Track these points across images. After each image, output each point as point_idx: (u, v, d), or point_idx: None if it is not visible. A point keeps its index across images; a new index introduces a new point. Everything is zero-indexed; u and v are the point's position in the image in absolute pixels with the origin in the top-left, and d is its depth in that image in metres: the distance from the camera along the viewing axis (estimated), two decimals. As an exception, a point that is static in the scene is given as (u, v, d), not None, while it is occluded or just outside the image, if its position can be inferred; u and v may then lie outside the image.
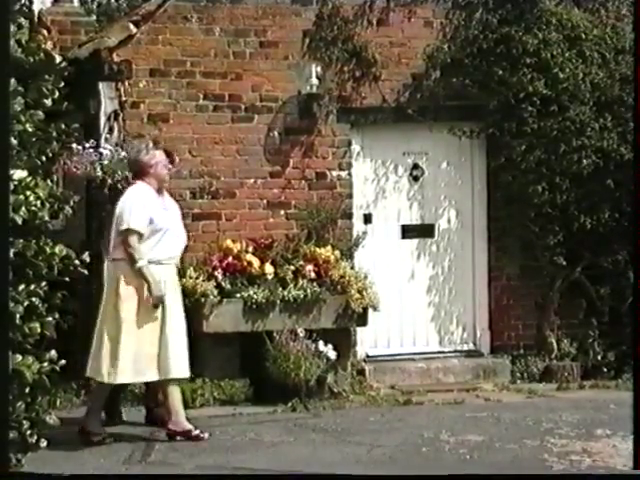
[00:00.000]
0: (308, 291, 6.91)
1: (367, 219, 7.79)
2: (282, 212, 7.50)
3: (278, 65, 7.51)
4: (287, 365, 6.63)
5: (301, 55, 7.53)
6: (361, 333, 7.40)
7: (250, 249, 7.06)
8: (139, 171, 6.06)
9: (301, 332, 6.80)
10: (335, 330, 6.98)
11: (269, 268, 6.95)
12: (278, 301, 6.84)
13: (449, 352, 7.77)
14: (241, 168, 7.48)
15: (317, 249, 7.17)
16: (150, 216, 5.86)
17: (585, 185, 7.64)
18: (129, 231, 5.82)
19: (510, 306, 7.94)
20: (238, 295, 6.82)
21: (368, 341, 7.64)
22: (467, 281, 7.93)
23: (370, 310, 7.08)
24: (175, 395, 5.92)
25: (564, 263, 7.72)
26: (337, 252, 7.21)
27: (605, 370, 7.68)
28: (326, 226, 7.47)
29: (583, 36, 7.66)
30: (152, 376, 5.83)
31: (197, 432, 5.90)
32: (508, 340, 7.90)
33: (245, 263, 6.94)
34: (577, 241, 7.74)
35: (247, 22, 7.43)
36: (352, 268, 7.25)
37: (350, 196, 7.66)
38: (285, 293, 6.86)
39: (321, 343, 6.82)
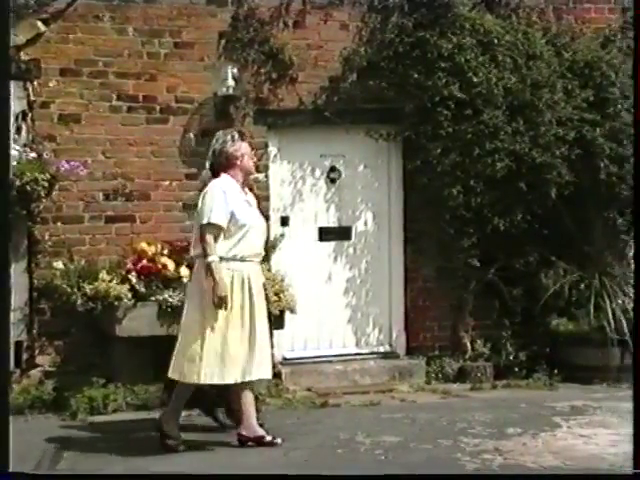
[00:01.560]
0: (224, 294, 6.83)
1: (284, 221, 7.76)
2: (198, 214, 7.40)
3: (194, 66, 7.42)
4: (202, 369, 6.52)
5: (217, 56, 7.47)
6: (278, 336, 7.33)
7: (166, 252, 6.96)
8: (224, 163, 5.77)
9: (216, 335, 6.70)
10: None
11: (185, 271, 6.85)
12: (193, 304, 6.74)
13: (366, 354, 7.79)
14: (156, 170, 7.37)
15: (233, 251, 7.09)
16: (232, 211, 5.63)
17: (498, 188, 7.74)
18: (209, 226, 5.59)
19: (426, 307, 8.00)
20: (153, 298, 6.72)
21: (285, 344, 7.61)
22: (383, 283, 7.96)
23: (287, 313, 7.04)
24: (249, 399, 5.74)
25: (478, 265, 7.81)
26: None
27: (517, 370, 7.78)
28: (243, 228, 7.39)
29: (496, 41, 7.75)
30: (237, 377, 5.62)
31: (270, 438, 5.74)
32: (424, 341, 7.96)
33: (160, 266, 6.84)
34: (491, 243, 7.83)
35: (161, 22, 7.33)
36: (269, 270, 7.19)
37: (267, 198, 7.61)
38: (201, 296, 6.77)
39: (235, 346, 6.74)
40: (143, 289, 6.74)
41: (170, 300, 6.70)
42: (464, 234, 7.76)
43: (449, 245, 7.86)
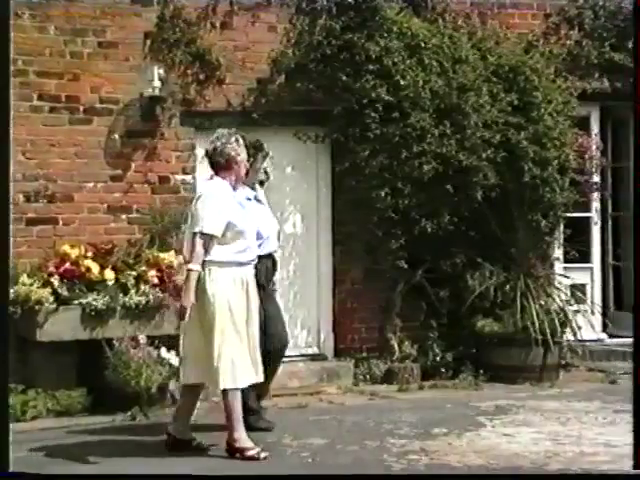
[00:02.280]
0: (150, 297, 6.75)
1: (212, 223, 7.67)
2: (124, 216, 7.30)
3: (118, 66, 7.30)
4: (127, 373, 6.45)
5: (143, 57, 7.37)
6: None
7: (89, 254, 6.83)
8: (222, 164, 5.55)
9: (142, 339, 6.62)
10: (178, 336, 6.79)
11: (109, 274, 6.75)
12: (119, 307, 6.65)
13: (294, 356, 7.72)
14: (80, 171, 7.23)
15: (160, 254, 7.00)
16: (229, 220, 5.47)
17: (426, 190, 7.77)
18: (200, 235, 5.42)
19: (354, 309, 8.01)
20: (76, 302, 6.59)
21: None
22: (312, 285, 7.94)
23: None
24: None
25: (406, 266, 7.84)
26: (180, 257, 7.04)
27: (443, 370, 7.81)
28: (170, 231, 7.30)
29: (423, 45, 7.79)
30: (246, 381, 5.50)
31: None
32: (352, 343, 7.96)
33: (84, 269, 6.71)
34: (418, 245, 7.86)
35: (84, 21, 7.19)
36: (196, 273, 7.11)
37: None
38: (126, 299, 6.69)
39: (163, 349, 6.67)
40: (66, 292, 6.60)
41: (94, 304, 6.58)
42: (392, 236, 7.78)
43: (377, 247, 7.88)
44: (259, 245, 5.94)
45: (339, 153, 7.89)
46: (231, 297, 5.47)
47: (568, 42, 8.52)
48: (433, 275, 7.96)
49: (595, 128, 8.71)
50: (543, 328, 7.66)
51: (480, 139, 7.77)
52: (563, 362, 7.99)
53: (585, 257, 8.63)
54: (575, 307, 8.13)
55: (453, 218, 7.82)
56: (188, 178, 7.55)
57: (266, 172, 6.38)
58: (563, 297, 8.10)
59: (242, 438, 5.53)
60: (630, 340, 8.53)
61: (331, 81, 7.74)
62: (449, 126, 7.72)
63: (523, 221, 8.05)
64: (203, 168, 7.64)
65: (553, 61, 8.31)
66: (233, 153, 5.57)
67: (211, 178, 5.63)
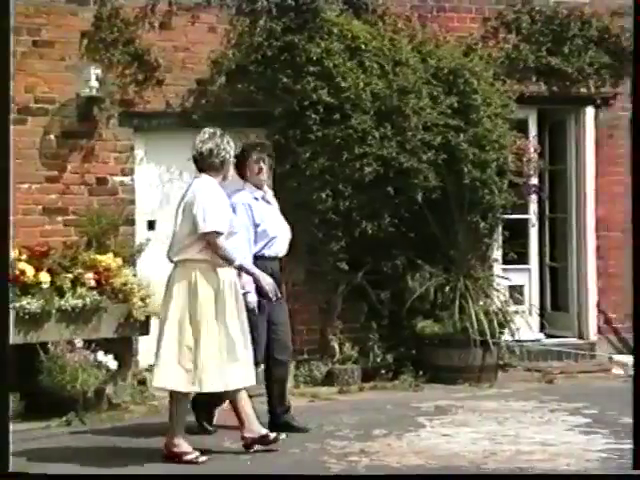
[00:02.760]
0: (87, 300, 6.63)
1: (151, 225, 7.60)
2: (60, 218, 7.19)
3: (54, 66, 7.19)
4: (63, 377, 6.31)
5: (79, 56, 7.26)
6: (143, 342, 7.17)
7: (24, 257, 6.67)
8: (216, 164, 5.47)
9: (79, 342, 6.50)
10: (116, 339, 6.73)
11: (45, 277, 6.60)
12: (54, 311, 6.51)
13: (234, 359, 7.68)
14: (14, 172, 7.04)
15: (97, 256, 6.89)
16: (230, 217, 5.49)
17: (367, 192, 7.78)
18: (215, 233, 5.34)
19: (295, 311, 7.88)
20: (10, 306, 6.43)
21: (150, 350, 7.41)
22: (252, 287, 7.88)
23: (153, 318, 6.86)
24: (246, 400, 5.55)
25: (347, 268, 7.84)
26: (119, 259, 6.96)
27: (384, 372, 7.82)
28: (107, 233, 7.20)
29: (363, 47, 7.80)
30: (236, 384, 5.43)
31: (274, 435, 5.58)
32: (293, 345, 7.89)
33: (18, 272, 6.56)
34: (359, 247, 7.86)
35: (18, 19, 7.03)
36: (135, 276, 7.01)
37: (133, 202, 7.44)
38: (62, 302, 6.55)
39: (100, 353, 6.56)
40: (-1, 296, 6.44)
41: (28, 307, 6.43)
42: (333, 238, 7.77)
43: (318, 249, 7.86)
44: (266, 245, 5.96)
45: (280, 155, 7.82)
46: (219, 299, 5.39)
47: (506, 46, 8.61)
48: (374, 277, 7.96)
49: (533, 131, 8.81)
50: (482, 329, 7.72)
51: (420, 141, 7.80)
52: (501, 362, 8.06)
53: (523, 258, 8.72)
54: (513, 308, 8.20)
55: (394, 220, 7.84)
56: (127, 180, 7.44)
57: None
58: (502, 298, 8.17)
59: (181, 443, 5.48)
60: (566, 340, 8.77)
61: (272, 83, 7.71)
62: (390, 128, 7.74)
63: (463, 223, 8.10)
64: (142, 170, 7.59)
65: (492, 64, 8.39)
66: (227, 156, 5.53)
67: (200, 176, 5.54)
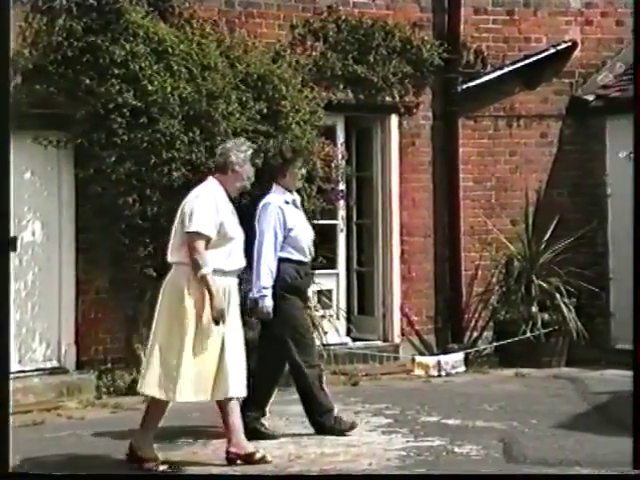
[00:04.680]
0: None
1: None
2: None
3: None
4: None
5: None
6: None
7: None
8: (220, 164, 5.55)
9: None
10: None
11: None
12: None
13: (30, 371, 7.34)
14: None
15: None
16: (222, 221, 5.34)
17: (175, 197, 7.54)
18: (197, 235, 5.27)
19: (99, 319, 7.70)
20: None
21: None
22: (53, 296, 7.56)
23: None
24: (237, 413, 5.45)
25: (155, 275, 7.63)
26: None
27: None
28: None
29: (170, 50, 7.61)
30: (214, 395, 5.35)
31: (261, 454, 5.45)
32: (95, 354, 7.65)
33: None
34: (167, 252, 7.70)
35: None
36: None
37: None
38: None
39: None
40: None
41: None
42: (140, 244, 7.54)
43: (124, 255, 7.61)
44: (296, 249, 6.02)
45: (83, 159, 7.56)
46: (199, 302, 5.32)
47: (314, 53, 8.66)
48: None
49: (341, 138, 8.92)
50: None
51: (229, 146, 7.73)
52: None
53: (331, 263, 8.79)
54: (321, 312, 8.27)
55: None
56: None
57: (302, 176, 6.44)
58: (311, 303, 8.21)
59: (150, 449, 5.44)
60: (372, 342, 8.93)
61: (73, 84, 7.41)
62: (199, 133, 7.60)
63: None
64: None
65: (300, 71, 8.43)
66: (234, 159, 5.53)
67: (208, 180, 5.58)
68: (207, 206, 5.39)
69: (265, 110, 7.97)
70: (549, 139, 9.48)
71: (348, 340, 8.80)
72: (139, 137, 7.43)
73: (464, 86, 9.12)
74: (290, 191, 6.21)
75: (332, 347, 8.31)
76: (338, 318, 8.63)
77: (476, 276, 8.97)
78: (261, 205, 6.18)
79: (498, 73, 9.21)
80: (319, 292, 8.37)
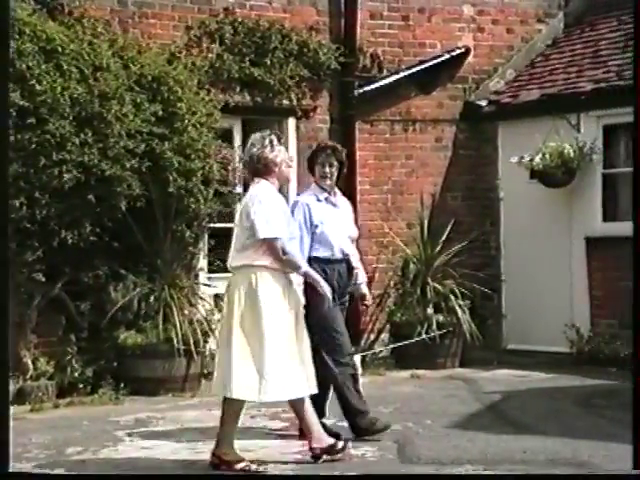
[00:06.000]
0: None
1: None
2: None
3: None
4: None
5: None
6: None
7: None
8: (262, 169, 5.44)
9: None
10: None
11: None
12: None
13: None
14: None
15: None
16: (288, 222, 5.45)
17: (66, 200, 7.38)
18: (275, 239, 5.30)
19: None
20: None
21: None
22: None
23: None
24: (310, 409, 5.44)
25: (44, 279, 7.41)
26: None
27: (82, 386, 7.47)
28: None
29: (60, 50, 7.38)
30: (301, 392, 5.35)
31: (341, 444, 5.50)
32: (-20, 363, 7.34)
33: None
34: (58, 257, 7.45)
35: None
36: None
37: None
38: None
39: None
40: None
41: None
42: (28, 248, 7.30)
43: (11, 260, 7.32)
44: (323, 246, 5.98)
45: (-31, 160, 7.27)
46: (280, 303, 5.35)
47: (210, 55, 8.56)
48: (74, 288, 7.60)
49: (238, 140, 8.84)
50: (186, 338, 7.61)
51: (123, 148, 7.53)
52: (206, 371, 7.97)
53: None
54: (218, 316, 8.14)
55: (95, 229, 7.50)
56: None
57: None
58: (207, 307, 8.11)
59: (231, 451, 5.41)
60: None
61: (-43, 83, 7.12)
62: (91, 134, 7.40)
63: (168, 232, 7.94)
64: None
65: (196, 73, 8.31)
66: (271, 156, 5.46)
67: (258, 182, 5.49)
68: (275, 209, 5.42)
69: (160, 112, 7.82)
70: (444, 143, 9.63)
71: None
72: (27, 138, 7.18)
73: (361, 90, 9.18)
74: (327, 189, 6.14)
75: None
76: (235, 322, 8.52)
77: (373, 278, 9.00)
78: (291, 204, 6.18)
79: (394, 78, 9.30)
80: (215, 296, 8.27)
